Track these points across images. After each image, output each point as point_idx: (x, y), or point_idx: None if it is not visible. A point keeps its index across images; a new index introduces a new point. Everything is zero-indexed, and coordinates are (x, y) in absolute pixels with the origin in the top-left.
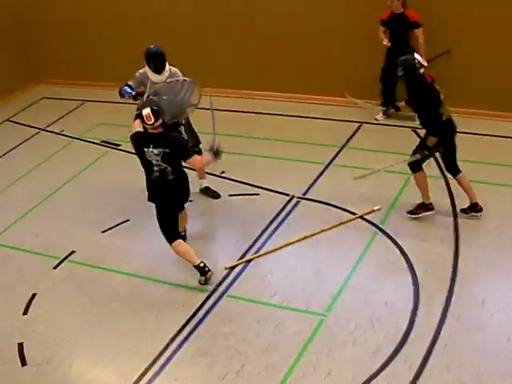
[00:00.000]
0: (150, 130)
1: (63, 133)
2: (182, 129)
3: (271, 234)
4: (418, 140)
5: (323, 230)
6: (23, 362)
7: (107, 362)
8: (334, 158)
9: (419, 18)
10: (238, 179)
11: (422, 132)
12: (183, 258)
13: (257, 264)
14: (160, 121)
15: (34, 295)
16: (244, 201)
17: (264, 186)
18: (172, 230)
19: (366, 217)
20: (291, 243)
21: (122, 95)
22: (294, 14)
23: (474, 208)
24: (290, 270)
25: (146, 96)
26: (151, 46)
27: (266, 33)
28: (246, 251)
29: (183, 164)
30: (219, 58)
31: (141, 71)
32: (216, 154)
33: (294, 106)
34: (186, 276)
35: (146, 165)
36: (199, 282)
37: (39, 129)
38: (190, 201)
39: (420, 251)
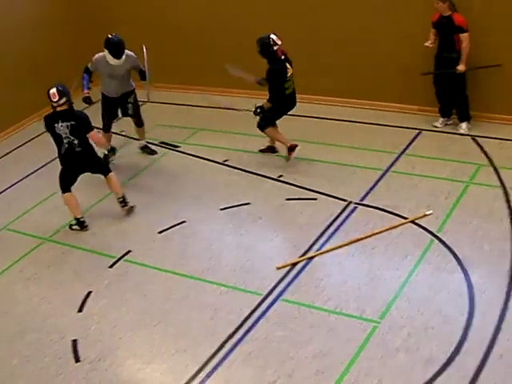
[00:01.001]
0: (57, 108)
1: (123, 133)
2: (130, 107)
3: (328, 239)
4: (477, 148)
5: (373, 234)
6: (77, 359)
7: (160, 361)
8: (392, 165)
9: (466, 23)
10: (295, 183)
11: (482, 140)
12: (68, 208)
13: (312, 269)
14: (64, 99)
15: (89, 293)
16: (301, 205)
17: (321, 190)
18: (66, 184)
19: (423, 224)
20: (342, 246)
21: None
22: (353, 20)
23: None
24: (345, 276)
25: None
26: (112, 35)
27: (326, 38)
28: (302, 255)
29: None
30: None
31: (99, 56)
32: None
33: (352, 111)
34: (241, 279)
35: (57, 139)
36: (69, 227)
37: (99, 128)
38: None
39: (477, 261)
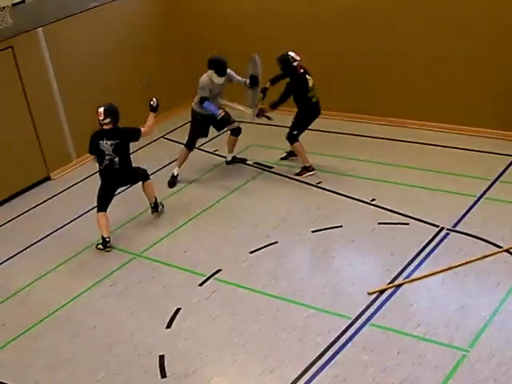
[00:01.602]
0: (103, 127)
1: (217, 152)
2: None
3: (419, 265)
4: None
5: (467, 262)
6: (163, 374)
7: (246, 381)
8: (485, 191)
9: None
10: (387, 207)
11: None
12: (98, 226)
13: (402, 294)
14: (109, 119)
15: (178, 310)
16: (393, 229)
17: (413, 215)
18: (102, 203)
19: None
20: (434, 273)
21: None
22: (444, 44)
23: (308, 169)
24: (435, 302)
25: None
26: (215, 56)
27: (418, 62)
28: (393, 280)
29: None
30: (371, 85)
31: (205, 79)
32: (153, 108)
33: (444, 136)
34: (330, 301)
35: (100, 155)
36: (95, 246)
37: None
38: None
39: None
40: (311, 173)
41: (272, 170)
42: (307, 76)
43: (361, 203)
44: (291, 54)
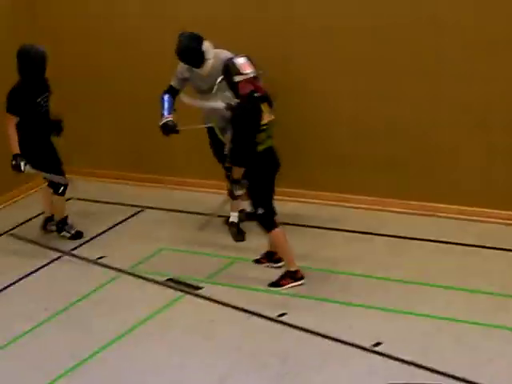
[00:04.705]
0: None
1: (102, 261)
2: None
3: None
4: None
5: None
6: None
7: None
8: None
9: None
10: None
11: None
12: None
13: None
14: None
15: None
16: None
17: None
18: None
19: None
20: None
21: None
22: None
23: (295, 276)
24: None
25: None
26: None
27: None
28: None
29: None
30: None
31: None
32: None
33: (431, 222)
34: None
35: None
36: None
37: (60, 251)
38: None
39: None
40: (299, 282)
41: (200, 291)
42: (266, 104)
43: (357, 350)
44: (239, 60)
